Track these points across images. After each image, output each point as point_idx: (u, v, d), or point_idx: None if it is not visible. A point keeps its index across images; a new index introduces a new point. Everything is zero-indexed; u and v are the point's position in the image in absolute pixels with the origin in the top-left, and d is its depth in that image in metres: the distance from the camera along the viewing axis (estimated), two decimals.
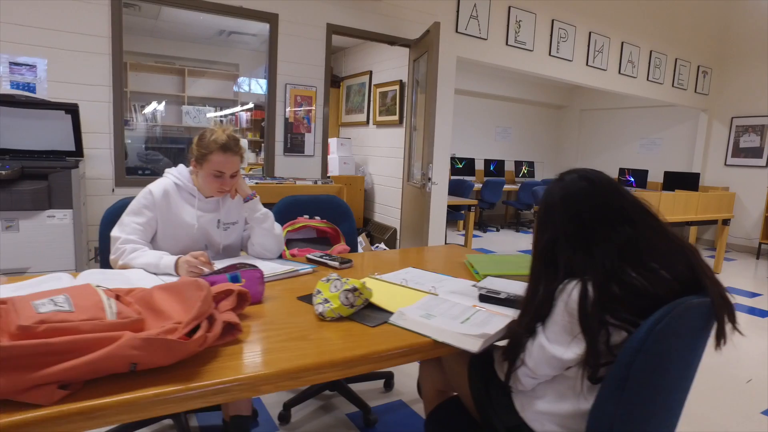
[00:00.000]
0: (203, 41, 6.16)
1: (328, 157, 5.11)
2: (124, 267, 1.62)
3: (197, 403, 0.90)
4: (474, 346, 1.14)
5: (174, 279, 1.51)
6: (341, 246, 2.27)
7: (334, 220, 2.39)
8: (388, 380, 2.43)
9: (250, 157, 6.27)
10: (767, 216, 6.56)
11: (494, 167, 8.08)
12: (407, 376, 2.53)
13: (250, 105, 6.63)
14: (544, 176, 9.14)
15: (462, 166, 7.64)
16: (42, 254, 2.50)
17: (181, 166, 1.86)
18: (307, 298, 1.42)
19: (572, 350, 1.05)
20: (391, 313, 1.29)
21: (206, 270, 1.52)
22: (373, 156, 5.99)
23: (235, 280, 1.34)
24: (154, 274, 1.57)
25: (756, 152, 6.88)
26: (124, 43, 3.17)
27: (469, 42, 4.69)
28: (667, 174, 7.27)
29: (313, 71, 3.95)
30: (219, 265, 1.62)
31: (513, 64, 5.06)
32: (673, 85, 6.71)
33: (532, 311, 1.12)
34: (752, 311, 4.18)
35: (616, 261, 1.05)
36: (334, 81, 6.56)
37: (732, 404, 2.51)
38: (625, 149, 8.55)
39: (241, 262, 1.50)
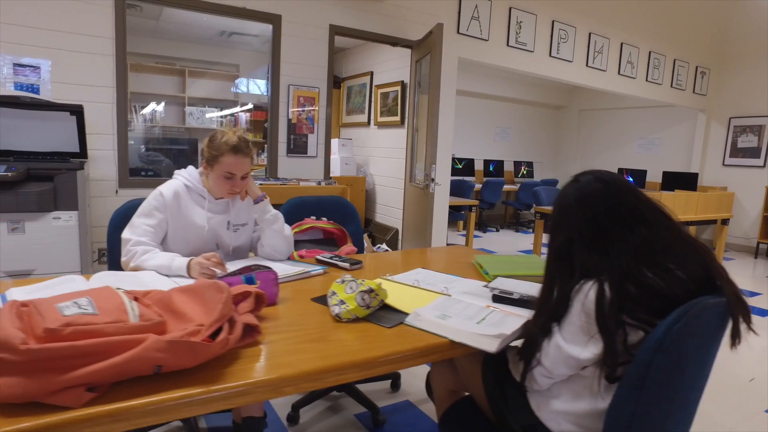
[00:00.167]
0: (204, 42, 6.15)
1: (330, 157, 5.10)
2: (136, 269, 1.61)
3: (221, 404, 0.91)
4: (491, 346, 1.15)
5: (186, 281, 1.51)
6: (348, 247, 2.28)
7: (340, 221, 2.39)
8: (395, 381, 2.44)
9: None
10: (765, 216, 6.60)
11: (494, 167, 8.11)
12: (414, 376, 2.54)
13: (250, 106, 6.62)
14: (544, 176, 9.17)
15: (462, 167, 7.65)
16: (47, 256, 2.49)
17: (190, 167, 1.86)
18: (321, 300, 1.42)
19: (589, 350, 1.06)
20: (406, 314, 1.30)
21: (219, 271, 1.52)
22: (374, 157, 5.99)
23: (250, 281, 1.34)
24: (166, 276, 1.57)
25: (754, 152, 6.92)
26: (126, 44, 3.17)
27: (471, 43, 4.70)
28: (665, 174, 7.30)
29: (316, 72, 3.96)
30: (230, 266, 1.63)
31: (514, 65, 5.08)
32: (671, 86, 6.74)
33: (548, 311, 1.13)
34: (752, 311, 4.21)
35: (632, 261, 1.06)
36: (334, 82, 6.54)
37: (734, 403, 2.53)
38: (624, 149, 8.58)
39: (255, 264, 1.50)
